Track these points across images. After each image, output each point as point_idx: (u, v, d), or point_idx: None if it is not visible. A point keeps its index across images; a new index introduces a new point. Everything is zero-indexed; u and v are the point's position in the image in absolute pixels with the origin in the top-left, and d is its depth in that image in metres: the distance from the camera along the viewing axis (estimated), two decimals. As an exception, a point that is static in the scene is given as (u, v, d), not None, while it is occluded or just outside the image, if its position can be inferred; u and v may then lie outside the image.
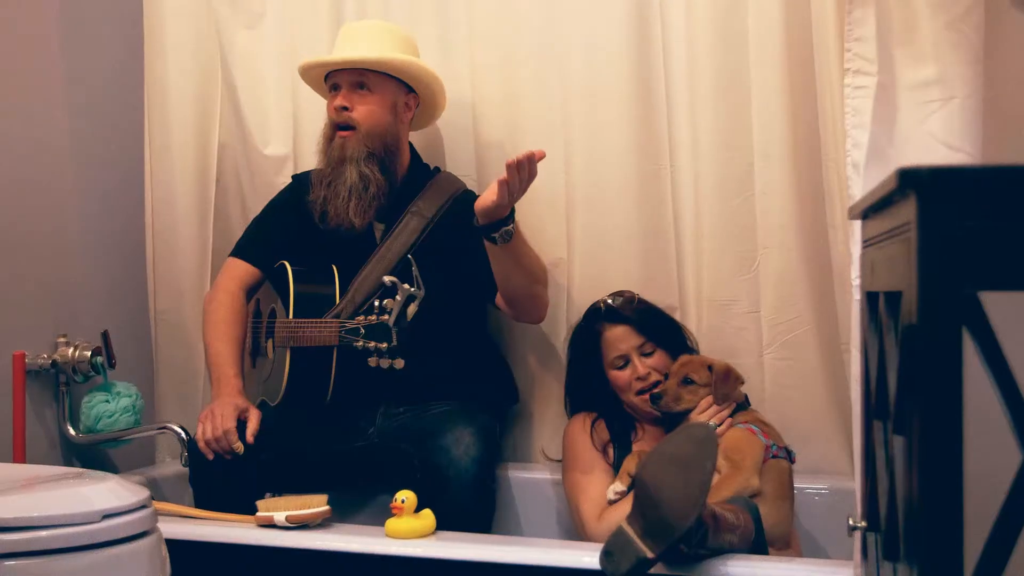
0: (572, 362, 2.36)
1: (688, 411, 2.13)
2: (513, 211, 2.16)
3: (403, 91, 2.40)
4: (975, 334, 0.93)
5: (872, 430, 1.29)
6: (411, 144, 2.48)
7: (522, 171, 2.05)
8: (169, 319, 2.72)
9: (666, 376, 2.17)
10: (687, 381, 2.13)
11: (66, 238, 2.51)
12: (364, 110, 2.34)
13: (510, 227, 2.15)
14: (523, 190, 2.10)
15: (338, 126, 2.35)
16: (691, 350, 2.29)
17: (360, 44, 2.36)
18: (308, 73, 2.46)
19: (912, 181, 0.95)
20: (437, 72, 2.43)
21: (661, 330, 2.26)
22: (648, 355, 2.22)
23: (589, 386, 2.30)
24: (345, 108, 2.33)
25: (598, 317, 2.27)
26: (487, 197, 2.10)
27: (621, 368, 2.22)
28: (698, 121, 2.40)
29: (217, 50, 2.71)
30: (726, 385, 2.13)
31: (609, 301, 2.28)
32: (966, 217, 0.93)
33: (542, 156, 2.07)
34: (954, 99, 1.55)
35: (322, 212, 2.34)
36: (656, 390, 2.13)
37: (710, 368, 2.13)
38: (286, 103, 2.67)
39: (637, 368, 2.20)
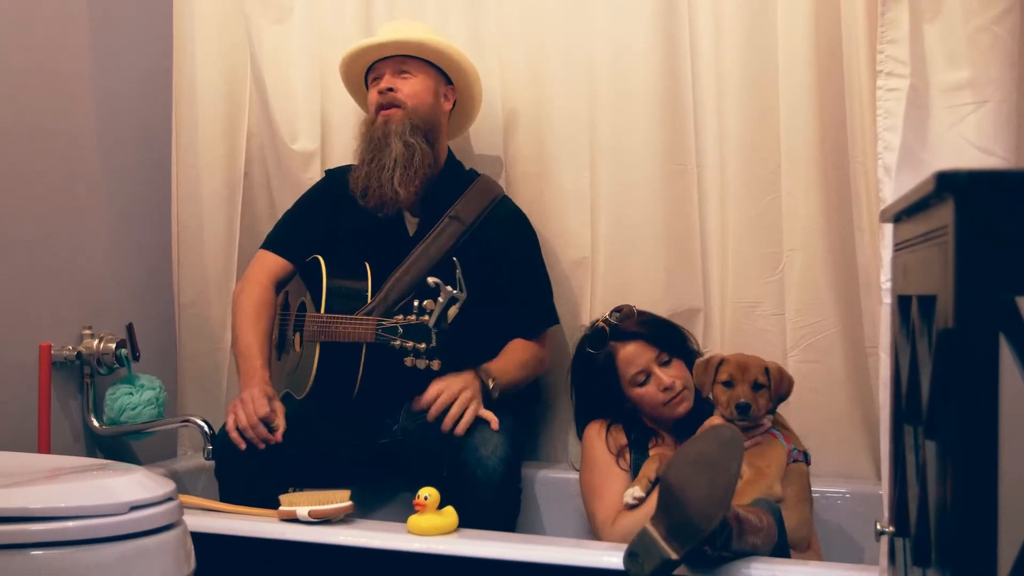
0: (583, 388, 2.32)
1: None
2: (486, 387, 2.23)
3: (443, 80, 2.42)
4: (1011, 339, 0.92)
5: (902, 434, 1.28)
6: (449, 148, 2.49)
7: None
8: (193, 313, 2.73)
9: (744, 385, 2.05)
10: (757, 386, 2.05)
11: (92, 231, 2.53)
12: (409, 90, 2.36)
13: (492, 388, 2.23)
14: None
15: (381, 107, 2.36)
16: (697, 353, 2.27)
17: (401, 32, 2.40)
18: (352, 67, 2.46)
19: (950, 184, 0.95)
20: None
21: (671, 339, 2.24)
22: (666, 364, 2.19)
23: (606, 407, 2.26)
24: (391, 89, 2.35)
25: (604, 337, 2.23)
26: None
27: (643, 384, 2.18)
28: (725, 121, 2.39)
29: (246, 45, 2.71)
30: (782, 386, 2.08)
31: (612, 320, 2.24)
32: (1004, 221, 0.92)
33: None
34: (988, 103, 1.53)
35: (364, 188, 2.34)
36: (741, 401, 2.01)
37: (766, 370, 2.07)
38: (315, 98, 2.68)
39: (661, 379, 2.16)
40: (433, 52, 2.38)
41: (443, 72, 2.42)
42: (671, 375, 2.17)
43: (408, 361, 2.10)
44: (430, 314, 2.08)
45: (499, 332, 2.38)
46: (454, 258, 2.23)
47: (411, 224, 2.40)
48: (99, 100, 2.55)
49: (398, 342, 2.11)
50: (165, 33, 2.71)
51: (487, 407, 2.18)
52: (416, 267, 2.31)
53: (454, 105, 2.46)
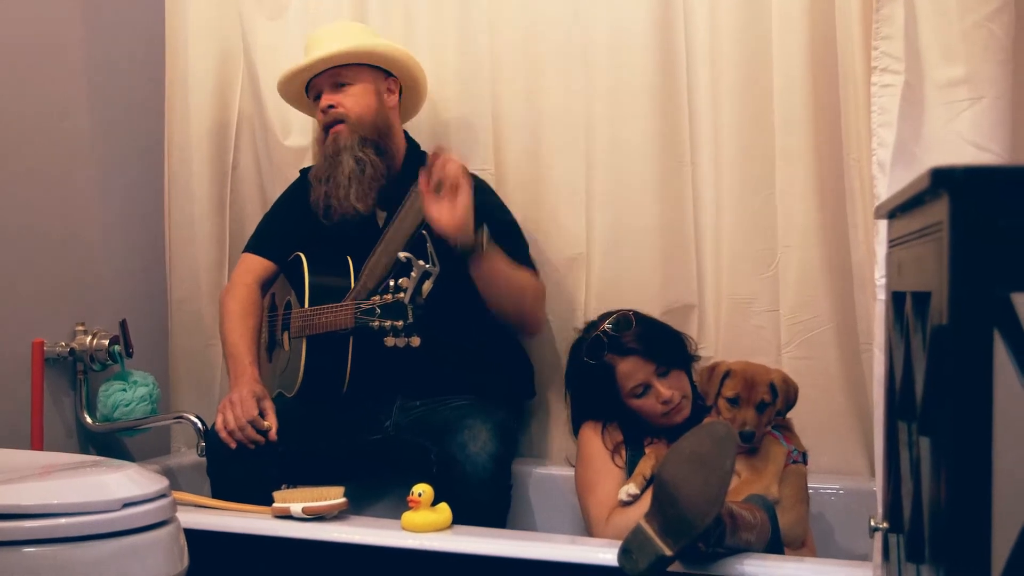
0: (579, 394, 2.30)
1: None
2: (483, 227, 2.16)
3: (382, 76, 2.41)
4: (1006, 336, 0.92)
5: (896, 430, 1.28)
6: (407, 133, 2.48)
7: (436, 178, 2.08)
8: (186, 308, 2.73)
9: (739, 402, 2.03)
10: (762, 407, 2.03)
11: (85, 227, 2.52)
12: (349, 102, 2.35)
13: (478, 238, 2.16)
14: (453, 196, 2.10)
15: (328, 125, 2.36)
16: (695, 356, 2.27)
17: (327, 45, 2.37)
18: (288, 89, 2.46)
19: (945, 180, 0.94)
20: (458, 65, 2.45)
21: (670, 350, 2.21)
22: (664, 375, 2.17)
23: (603, 412, 2.25)
24: (331, 107, 2.35)
25: (602, 349, 2.19)
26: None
27: (642, 396, 2.16)
28: (720, 117, 2.39)
29: (239, 40, 2.72)
30: (788, 397, 2.06)
31: (609, 330, 2.19)
32: (999, 217, 0.92)
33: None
34: (983, 99, 1.53)
35: (325, 207, 2.34)
36: (745, 429, 1.98)
37: (771, 385, 2.04)
38: (307, 95, 2.67)
39: (661, 393, 2.14)
40: (364, 57, 2.37)
41: (382, 68, 2.41)
42: (670, 387, 2.15)
43: (388, 341, 2.10)
44: (405, 291, 2.08)
45: (480, 301, 2.38)
46: (423, 231, 2.19)
47: (380, 217, 2.39)
48: (92, 97, 2.54)
49: (376, 322, 2.11)
50: (158, 31, 2.70)
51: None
52: (389, 250, 2.29)
53: (401, 92, 2.45)
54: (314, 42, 2.42)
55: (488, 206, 2.33)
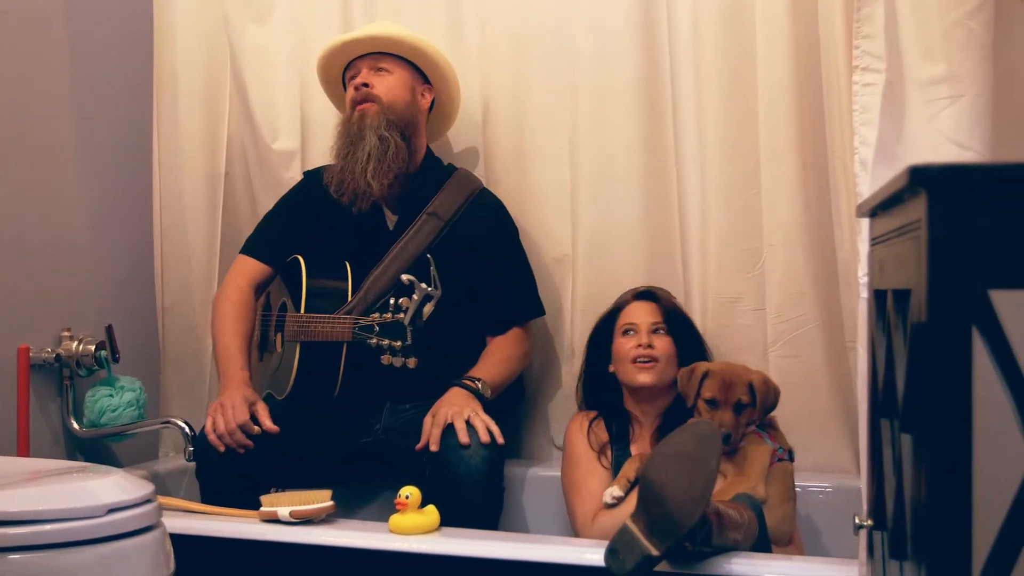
0: (591, 342, 2.34)
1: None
2: (477, 391, 2.21)
3: (420, 79, 2.44)
4: (985, 333, 0.93)
5: (879, 428, 1.29)
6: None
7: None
8: (177, 313, 2.72)
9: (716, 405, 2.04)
10: (740, 408, 2.03)
11: (71, 232, 2.51)
12: (384, 86, 2.37)
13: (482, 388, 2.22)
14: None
15: (357, 102, 2.37)
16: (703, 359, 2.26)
17: (380, 29, 2.42)
18: (330, 65, 2.47)
19: (923, 179, 0.95)
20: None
21: (681, 324, 2.24)
22: (657, 332, 2.20)
23: (602, 370, 2.27)
24: (366, 85, 2.36)
25: (629, 295, 2.29)
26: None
27: (626, 335, 2.21)
28: (705, 117, 2.39)
29: (226, 44, 2.71)
30: (768, 399, 2.06)
31: (652, 287, 2.30)
32: (977, 215, 0.93)
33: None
34: (963, 97, 1.54)
35: (339, 182, 2.34)
36: (724, 430, 1.96)
37: (750, 385, 2.04)
38: (295, 97, 2.67)
39: (642, 337, 2.18)
40: (408, 48, 2.39)
41: (421, 72, 2.43)
42: (654, 341, 2.18)
43: (385, 359, 2.11)
44: (405, 311, 2.09)
45: (483, 327, 2.39)
46: (428, 255, 2.23)
47: (391, 221, 2.40)
48: (78, 100, 2.53)
49: (374, 340, 2.11)
50: (145, 34, 2.70)
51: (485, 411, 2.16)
52: (394, 265, 2.31)
53: (432, 105, 2.46)
54: (367, 27, 2.46)
55: (505, 248, 2.41)
